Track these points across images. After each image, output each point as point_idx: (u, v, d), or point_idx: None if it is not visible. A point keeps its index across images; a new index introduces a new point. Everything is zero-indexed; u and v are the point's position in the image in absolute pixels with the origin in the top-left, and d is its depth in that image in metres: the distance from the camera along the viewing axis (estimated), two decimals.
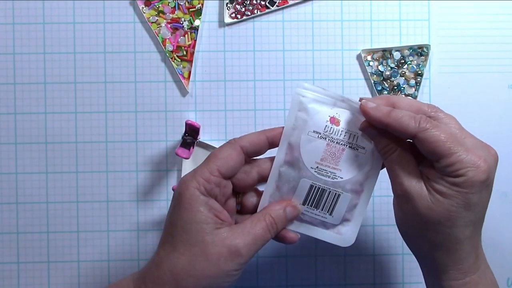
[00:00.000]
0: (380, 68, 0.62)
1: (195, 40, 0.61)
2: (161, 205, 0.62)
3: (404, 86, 0.62)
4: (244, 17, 0.62)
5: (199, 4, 0.61)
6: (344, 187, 0.45)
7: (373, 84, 0.62)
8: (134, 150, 0.62)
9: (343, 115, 0.45)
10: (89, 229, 0.62)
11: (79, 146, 0.62)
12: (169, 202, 0.62)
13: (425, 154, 0.43)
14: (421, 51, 0.62)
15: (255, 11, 0.62)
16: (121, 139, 0.62)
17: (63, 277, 0.62)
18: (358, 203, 0.46)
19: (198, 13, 0.61)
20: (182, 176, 0.54)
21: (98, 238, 0.62)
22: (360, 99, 0.45)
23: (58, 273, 0.62)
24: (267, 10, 0.62)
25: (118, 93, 0.62)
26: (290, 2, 0.62)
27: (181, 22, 0.62)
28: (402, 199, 0.43)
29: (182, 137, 0.59)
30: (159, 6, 0.61)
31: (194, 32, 0.62)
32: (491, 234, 0.62)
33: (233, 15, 0.62)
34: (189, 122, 0.58)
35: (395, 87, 0.62)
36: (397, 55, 0.62)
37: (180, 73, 0.62)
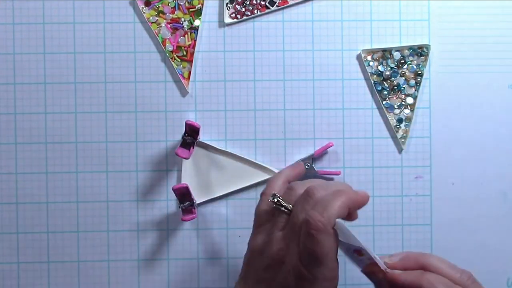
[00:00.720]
0: (380, 68, 0.62)
1: (195, 40, 0.61)
2: (161, 205, 0.62)
3: (404, 86, 0.62)
4: (244, 17, 0.62)
5: (199, 4, 0.61)
6: None
7: (373, 84, 0.62)
8: (134, 150, 0.62)
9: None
10: (89, 229, 0.62)
11: (79, 146, 0.62)
12: (169, 202, 0.62)
13: None
14: (421, 51, 0.62)
15: (255, 11, 0.62)
16: (121, 139, 0.62)
17: (63, 277, 0.62)
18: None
19: (198, 13, 0.61)
20: None
21: (98, 238, 0.62)
22: (385, 263, 0.45)
23: (58, 273, 0.62)
24: (267, 10, 0.62)
25: (118, 93, 0.62)
26: (290, 2, 0.62)
27: (181, 22, 0.62)
28: None
29: (182, 137, 0.59)
30: (159, 6, 0.61)
31: (194, 32, 0.62)
32: (491, 234, 0.62)
33: (233, 15, 0.62)
34: (189, 122, 0.58)
35: (395, 87, 0.62)
36: (397, 55, 0.62)
37: (180, 73, 0.62)
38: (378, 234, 0.62)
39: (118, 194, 0.62)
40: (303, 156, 0.62)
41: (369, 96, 0.62)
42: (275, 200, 0.46)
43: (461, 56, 0.63)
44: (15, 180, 0.62)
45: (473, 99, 0.63)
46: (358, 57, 0.62)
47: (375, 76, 0.62)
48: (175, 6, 0.61)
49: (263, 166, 0.62)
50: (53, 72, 0.62)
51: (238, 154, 0.62)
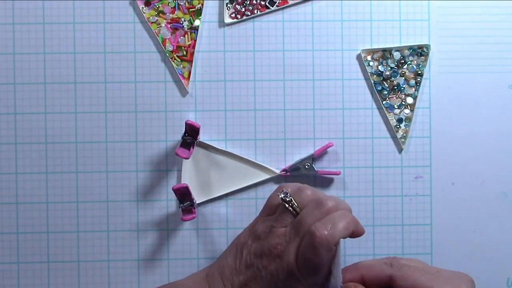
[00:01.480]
0: (380, 68, 0.62)
1: (195, 40, 0.61)
2: (161, 205, 0.62)
3: (404, 86, 0.62)
4: (244, 17, 0.62)
5: (199, 4, 0.61)
6: None
7: (373, 84, 0.62)
8: (134, 150, 0.62)
9: None
10: (89, 229, 0.62)
11: (79, 146, 0.62)
12: (169, 202, 0.62)
13: None
14: (421, 51, 0.62)
15: (255, 11, 0.62)
16: (121, 139, 0.62)
17: (63, 277, 0.62)
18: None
19: (198, 13, 0.62)
20: None
21: (98, 238, 0.62)
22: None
23: (58, 273, 0.62)
24: (267, 10, 0.62)
25: (118, 93, 0.62)
26: (290, 2, 0.62)
27: (181, 22, 0.62)
28: None
29: (182, 137, 0.59)
30: (159, 6, 0.61)
31: (194, 32, 0.62)
32: (491, 234, 0.62)
33: (233, 15, 0.62)
34: (189, 122, 0.58)
35: (395, 87, 0.62)
36: (397, 55, 0.62)
37: (180, 73, 0.62)
38: (378, 234, 0.62)
39: (118, 194, 0.62)
40: (303, 156, 0.62)
41: (369, 96, 0.62)
42: (287, 199, 0.47)
43: (461, 56, 0.63)
44: (15, 180, 0.62)
45: (473, 99, 0.62)
46: (358, 57, 0.62)
47: (375, 76, 0.62)
48: (175, 6, 0.61)
49: (263, 166, 0.62)
50: (53, 72, 0.62)
51: (238, 154, 0.62)
